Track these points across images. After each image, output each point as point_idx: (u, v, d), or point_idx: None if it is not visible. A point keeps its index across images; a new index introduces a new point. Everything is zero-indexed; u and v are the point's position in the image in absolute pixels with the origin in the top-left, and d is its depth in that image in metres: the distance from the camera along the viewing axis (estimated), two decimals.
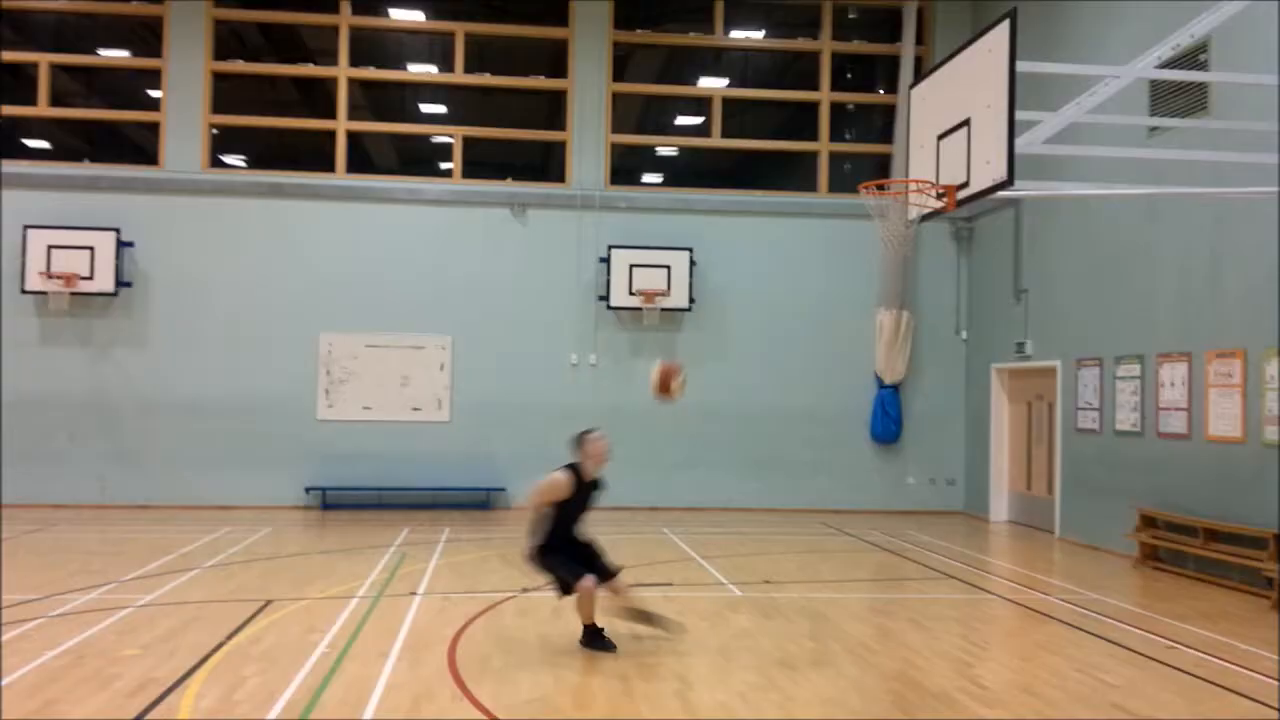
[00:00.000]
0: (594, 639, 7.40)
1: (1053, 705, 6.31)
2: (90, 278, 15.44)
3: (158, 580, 9.85)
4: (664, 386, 7.79)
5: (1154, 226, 12.11)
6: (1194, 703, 6.43)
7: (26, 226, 15.41)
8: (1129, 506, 12.10)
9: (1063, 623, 8.71)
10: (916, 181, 8.80)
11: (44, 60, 16.13)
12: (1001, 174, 7.68)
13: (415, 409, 16.28)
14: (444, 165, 17.17)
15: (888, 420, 16.68)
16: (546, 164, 17.86)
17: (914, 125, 9.28)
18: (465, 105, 17.58)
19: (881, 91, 17.85)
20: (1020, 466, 15.71)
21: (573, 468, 7.40)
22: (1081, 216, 13.68)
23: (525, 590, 9.55)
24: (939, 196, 8.55)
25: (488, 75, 17.15)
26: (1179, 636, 8.18)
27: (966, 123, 8.20)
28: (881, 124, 17.72)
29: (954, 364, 17.07)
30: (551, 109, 17.60)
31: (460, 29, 16.71)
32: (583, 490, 7.43)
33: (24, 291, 15.45)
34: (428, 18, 17.15)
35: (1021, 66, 7.66)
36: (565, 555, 7.38)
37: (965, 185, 8.22)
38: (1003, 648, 8.04)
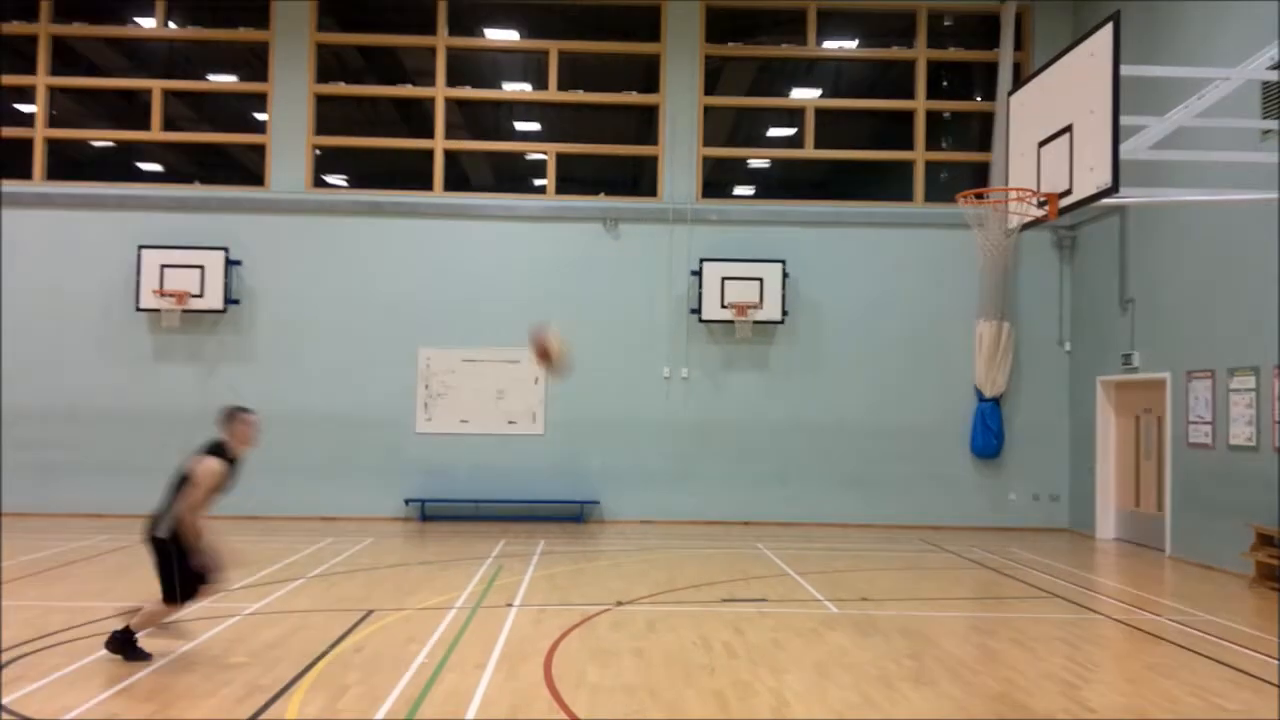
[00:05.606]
0: (130, 646, 7.27)
1: None
2: (200, 295, 15.99)
3: (264, 589, 10.14)
4: (543, 354, 8.20)
5: (1267, 232, 11.63)
6: None
7: (141, 246, 16.03)
8: (1244, 524, 11.63)
9: (1174, 644, 8.40)
10: (1017, 190, 8.64)
11: (156, 86, 16.79)
12: (1106, 181, 7.49)
13: (511, 422, 16.47)
14: (538, 182, 17.38)
15: (988, 434, 16.30)
16: (638, 178, 17.95)
17: (1014, 132, 9.11)
18: (558, 122, 17.77)
19: (979, 99, 17.53)
20: (1128, 482, 15.20)
21: (221, 449, 7.79)
22: (1190, 223, 13.22)
23: (620, 604, 9.59)
24: (1040, 204, 8.37)
25: (580, 92, 17.33)
26: None
27: (1069, 129, 8.02)
28: (978, 131, 17.40)
29: (1057, 376, 16.62)
30: (643, 124, 17.69)
31: (554, 47, 16.92)
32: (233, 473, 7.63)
33: (138, 309, 16.08)
34: (522, 37, 17.41)
35: (1125, 70, 7.47)
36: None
37: (1068, 193, 8.03)
38: (1111, 670, 7.78)
